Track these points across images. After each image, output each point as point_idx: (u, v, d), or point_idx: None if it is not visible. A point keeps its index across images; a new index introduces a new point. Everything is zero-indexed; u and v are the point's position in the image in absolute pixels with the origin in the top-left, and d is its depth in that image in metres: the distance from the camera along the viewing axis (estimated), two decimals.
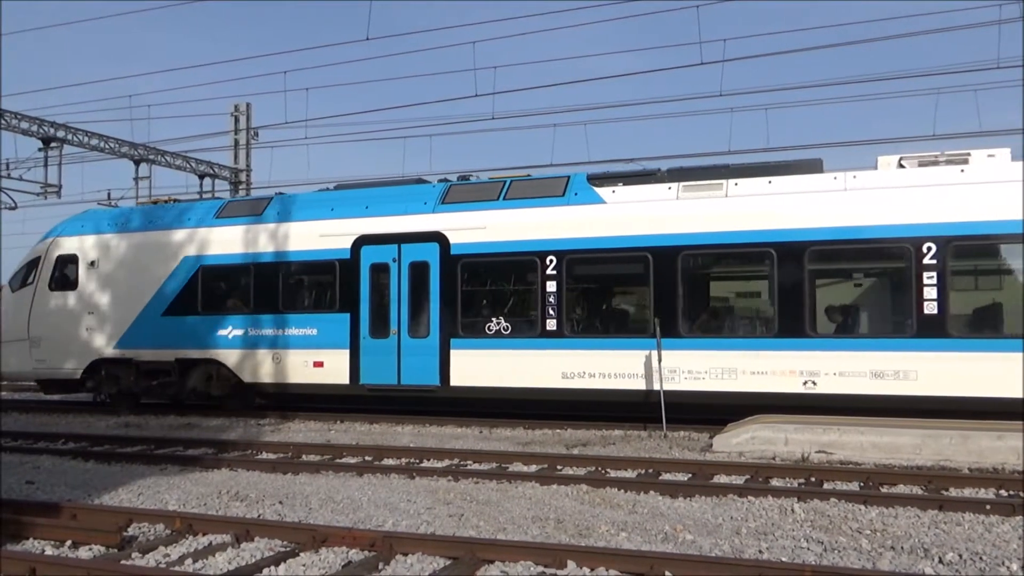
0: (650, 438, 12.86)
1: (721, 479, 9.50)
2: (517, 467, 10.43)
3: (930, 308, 12.22)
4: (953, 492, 8.64)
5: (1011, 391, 11.65)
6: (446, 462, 10.83)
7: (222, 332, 16.33)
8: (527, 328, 14.38)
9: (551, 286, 14.16)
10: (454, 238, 14.78)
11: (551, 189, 14.63)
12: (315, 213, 16.00)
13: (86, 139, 24.27)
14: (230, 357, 16.27)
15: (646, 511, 7.92)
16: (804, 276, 12.88)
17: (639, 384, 13.52)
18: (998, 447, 9.96)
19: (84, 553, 6.64)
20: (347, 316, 15.41)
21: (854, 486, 8.97)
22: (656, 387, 13.25)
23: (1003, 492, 8.59)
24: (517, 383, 14.23)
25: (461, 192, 15.27)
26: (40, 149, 23.37)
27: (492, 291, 14.90)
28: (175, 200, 18.57)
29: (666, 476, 9.73)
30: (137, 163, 25.76)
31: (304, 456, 11.58)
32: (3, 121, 22.27)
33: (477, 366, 14.51)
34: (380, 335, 15.23)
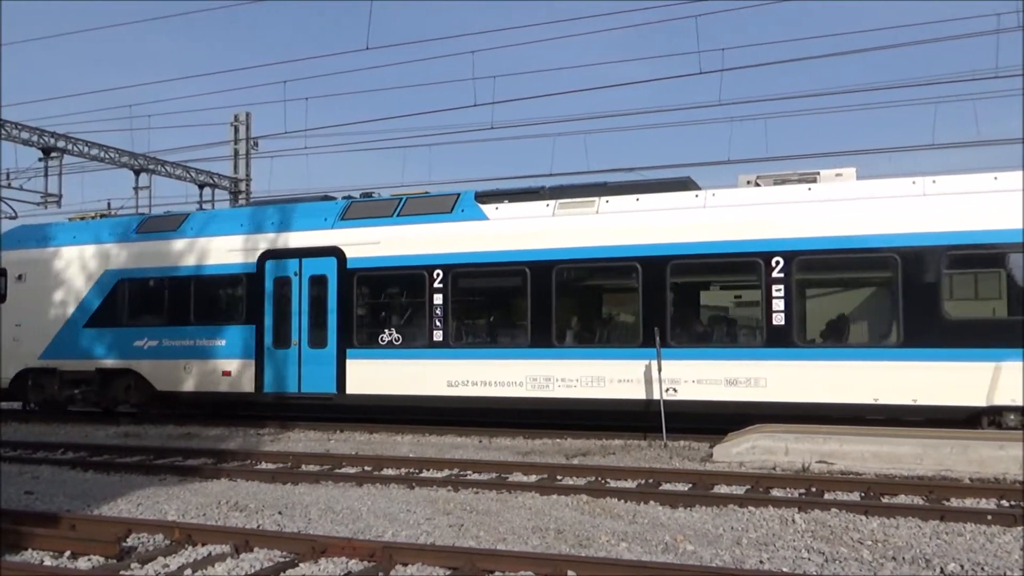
0: (650, 448, 12.84)
1: (722, 489, 9.47)
2: (517, 477, 10.41)
3: (778, 319, 12.91)
4: (954, 502, 8.62)
5: (860, 397, 12.39)
6: (446, 472, 10.80)
7: (138, 343, 17.01)
8: (416, 338, 15.04)
9: (438, 299, 14.89)
10: (350, 252, 15.47)
11: (441, 206, 15.33)
12: (226, 229, 16.70)
13: (86, 149, 24.34)
14: (145, 367, 16.94)
15: (646, 521, 7.90)
16: (666, 288, 13.60)
17: (520, 391, 14.17)
18: (999, 457, 9.95)
19: (83, 563, 6.63)
20: (253, 328, 16.13)
21: (855, 496, 8.94)
22: (532, 395, 14.09)
23: (1004, 502, 8.57)
24: (408, 391, 14.94)
25: (359, 209, 15.98)
26: (40, 159, 23.45)
27: (385, 303, 15.69)
28: (104, 215, 19.38)
29: (666, 486, 9.70)
30: (137, 173, 25.83)
31: (304, 466, 11.55)
32: (3, 131, 22.31)
33: (371, 375, 15.17)
34: (282, 345, 15.93)
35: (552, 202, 14.48)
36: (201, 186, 27.90)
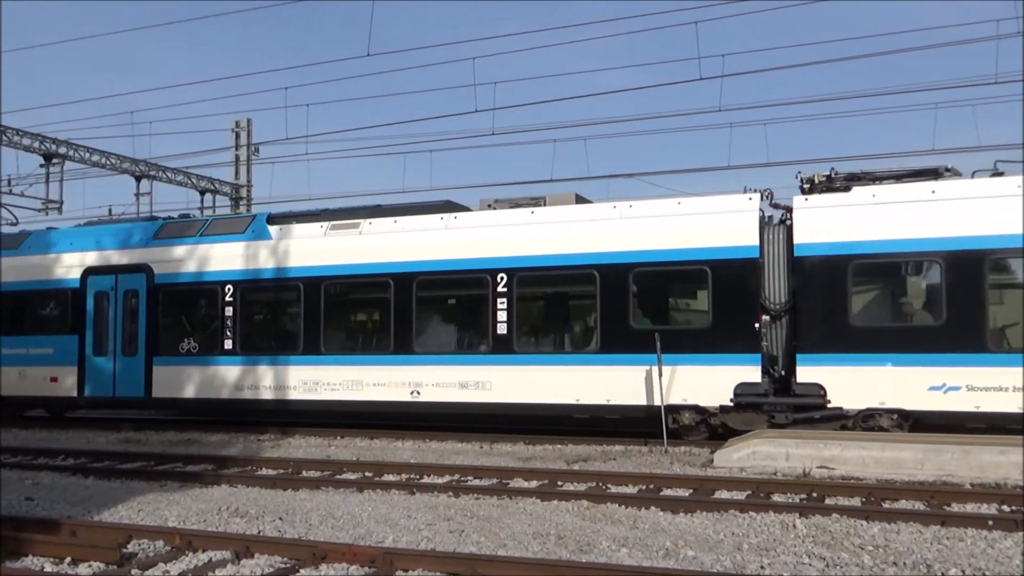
0: (651, 453, 12.84)
1: (722, 495, 9.47)
2: (518, 483, 10.40)
3: (501, 329, 14.44)
4: (955, 507, 8.61)
5: (566, 398, 13.95)
6: (447, 478, 10.80)
7: None
8: (211, 347, 16.61)
9: (229, 311, 16.51)
10: (158, 269, 17.10)
11: (236, 227, 17.02)
12: (59, 247, 18.24)
13: (87, 155, 24.36)
14: None
15: (647, 527, 7.89)
16: (412, 302, 15.11)
17: (294, 395, 15.81)
18: (1000, 462, 9.94)
19: (84, 570, 6.62)
20: (76, 337, 17.72)
21: (856, 501, 8.93)
22: (303, 397, 15.73)
23: (1005, 507, 8.56)
24: (204, 394, 16.58)
25: (170, 229, 17.61)
26: (41, 165, 23.48)
27: (185, 315, 17.28)
28: None
29: (667, 492, 9.70)
30: (138, 179, 25.85)
31: (304, 472, 11.55)
32: (4, 137, 22.35)
33: (173, 379, 16.80)
34: (100, 353, 17.51)
35: (326, 224, 16.11)
36: (202, 192, 27.92)
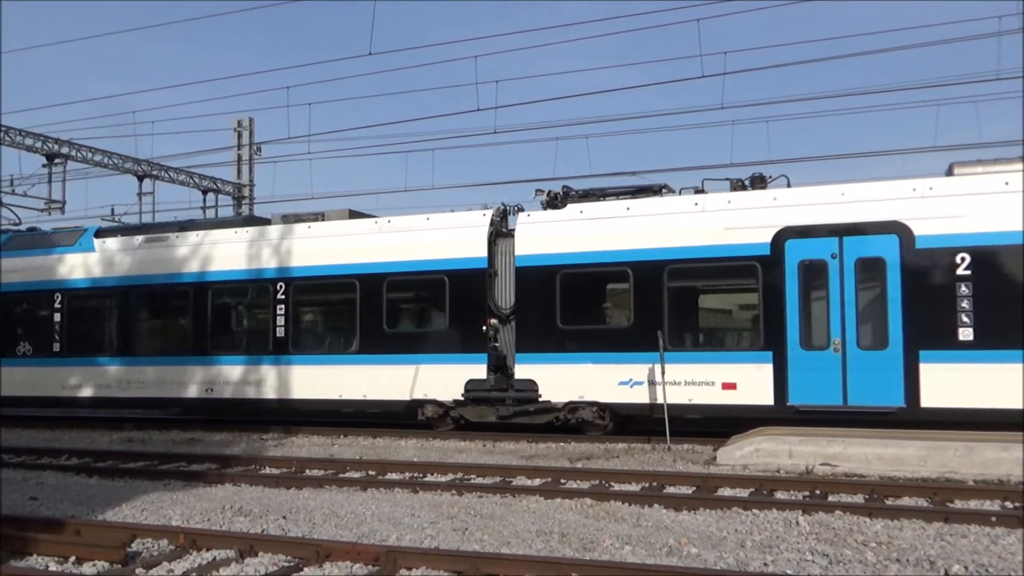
0: (654, 451, 12.84)
1: (725, 492, 9.47)
2: (521, 481, 10.41)
3: (279, 332, 16.20)
4: (958, 504, 8.61)
5: (331, 393, 15.66)
6: (450, 476, 10.81)
7: None
8: (44, 350, 18.21)
9: (58, 317, 18.14)
10: (4, 279, 18.53)
11: (69, 239, 18.46)
12: None
13: (90, 155, 24.39)
14: None
15: (650, 524, 7.90)
16: (208, 308, 16.81)
17: (111, 392, 17.43)
18: (1002, 459, 9.94)
19: (88, 569, 6.64)
20: None
21: (859, 498, 8.94)
22: (121, 395, 17.39)
23: (1008, 504, 8.56)
24: (38, 392, 18.27)
25: (16, 241, 19.16)
26: (44, 165, 23.52)
27: (26, 320, 18.70)
28: None
29: (670, 489, 9.70)
30: (140, 179, 25.87)
31: (308, 471, 11.57)
32: (7, 137, 22.38)
33: (15, 379, 18.37)
34: None
35: (141, 237, 17.76)
36: (204, 192, 27.94)
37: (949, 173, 12.95)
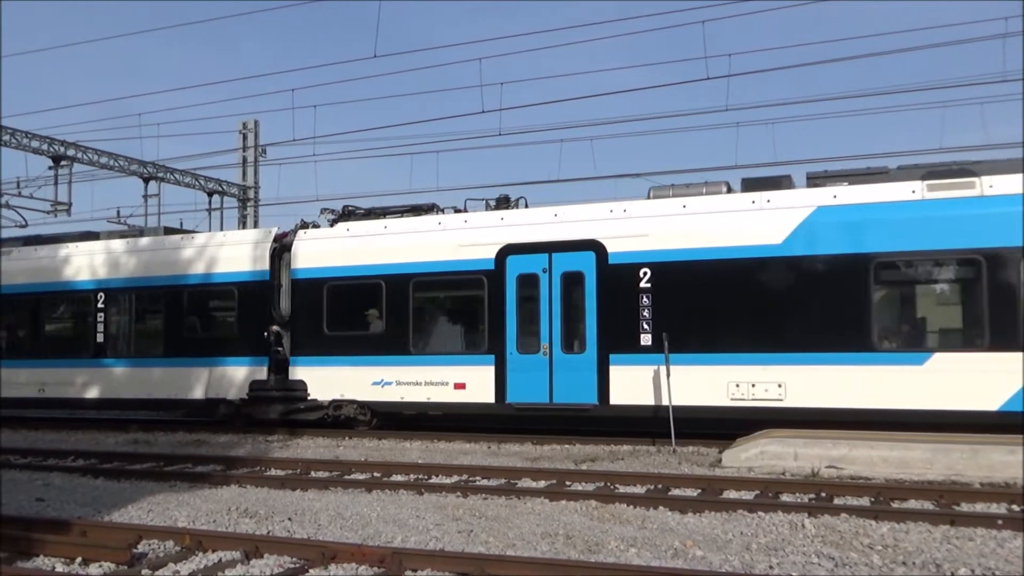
0: (659, 453, 12.83)
1: (731, 494, 9.46)
2: (526, 483, 10.41)
3: (100, 338, 17.82)
4: (964, 507, 8.59)
5: (143, 393, 17.27)
6: (455, 478, 10.81)
7: None
8: None
9: None
10: None
11: None
12: None
13: (96, 157, 24.48)
14: None
15: (656, 527, 7.90)
16: (40, 316, 18.60)
17: None
18: (1009, 462, 9.91)
19: (94, 570, 6.66)
20: None
21: (865, 501, 8.92)
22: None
23: (1014, 507, 8.54)
24: None
25: None
26: (50, 167, 23.59)
27: None
28: None
29: (675, 491, 9.70)
30: (146, 181, 25.95)
31: (313, 472, 11.58)
32: (14, 140, 22.46)
33: None
34: None
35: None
36: (210, 193, 28.02)
37: (647, 196, 14.53)
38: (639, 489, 9.86)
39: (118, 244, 18.06)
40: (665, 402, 13.11)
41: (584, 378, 13.92)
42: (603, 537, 7.41)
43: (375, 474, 11.22)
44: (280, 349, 16.36)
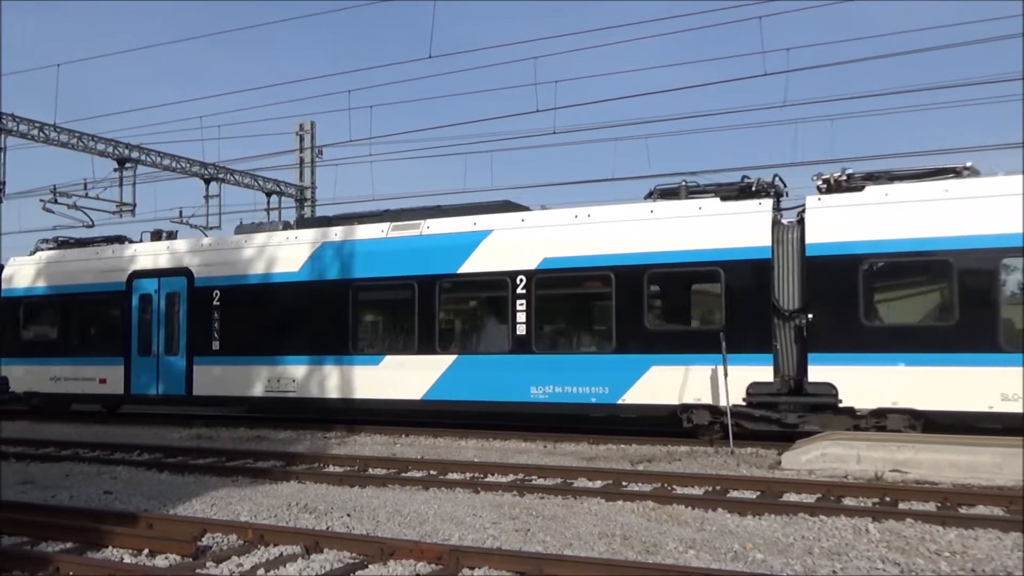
0: (716, 455, 12.68)
1: (791, 497, 9.30)
2: (582, 482, 10.38)
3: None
4: None
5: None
6: (511, 477, 10.82)
7: None
8: None
9: None
10: None
11: None
12: None
13: (159, 159, 25.04)
14: None
15: (714, 529, 7.80)
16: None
17: None
18: None
19: (160, 561, 6.83)
20: None
21: (931, 506, 8.70)
22: None
23: None
24: None
25: None
26: (115, 169, 24.18)
27: None
28: None
29: (734, 493, 9.57)
30: (207, 182, 26.46)
31: (371, 469, 11.69)
32: (79, 143, 23.11)
33: None
34: None
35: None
36: (268, 194, 28.46)
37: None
38: (697, 490, 9.75)
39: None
40: (235, 393, 17.65)
41: (178, 375, 18.27)
42: (661, 538, 7.34)
43: (432, 472, 11.28)
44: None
